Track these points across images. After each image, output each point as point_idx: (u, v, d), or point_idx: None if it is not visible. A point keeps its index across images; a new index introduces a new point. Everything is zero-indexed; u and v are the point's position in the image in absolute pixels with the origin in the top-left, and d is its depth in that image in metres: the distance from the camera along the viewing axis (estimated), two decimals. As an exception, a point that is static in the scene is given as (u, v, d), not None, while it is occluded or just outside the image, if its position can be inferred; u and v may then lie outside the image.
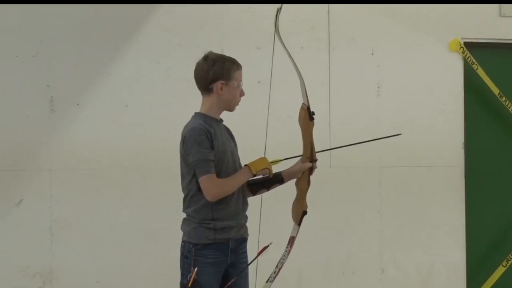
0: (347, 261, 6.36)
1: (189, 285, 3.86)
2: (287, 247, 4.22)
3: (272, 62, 4.34)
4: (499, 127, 6.81)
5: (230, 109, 4.11)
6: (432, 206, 6.52)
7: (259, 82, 5.65)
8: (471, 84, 6.66)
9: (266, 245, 3.96)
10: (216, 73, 4.00)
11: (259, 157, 4.11)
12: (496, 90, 6.67)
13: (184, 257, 3.99)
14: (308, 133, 4.24)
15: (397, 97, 6.46)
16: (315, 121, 4.23)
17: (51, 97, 5.82)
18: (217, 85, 4.01)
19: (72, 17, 5.83)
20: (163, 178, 5.92)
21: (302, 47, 6.24)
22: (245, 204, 4.11)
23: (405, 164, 6.46)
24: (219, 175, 3.93)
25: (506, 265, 6.72)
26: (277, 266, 4.21)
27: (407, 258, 6.48)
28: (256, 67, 5.91)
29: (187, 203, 4.01)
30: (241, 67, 4.09)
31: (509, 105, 6.69)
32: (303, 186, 4.25)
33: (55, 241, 5.81)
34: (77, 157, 5.84)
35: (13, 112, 5.75)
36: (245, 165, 4.03)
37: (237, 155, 4.15)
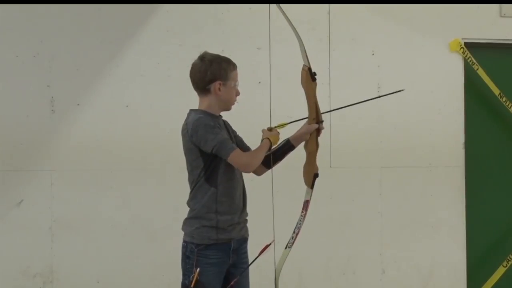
0: (348, 261, 6.36)
1: (192, 285, 3.86)
2: (302, 212, 4.23)
3: (270, 62, 4.34)
4: (499, 127, 6.81)
5: (227, 108, 4.11)
6: (432, 206, 6.52)
7: (259, 82, 5.66)
8: (472, 84, 6.66)
9: (268, 243, 3.95)
10: (213, 73, 3.99)
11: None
12: (496, 91, 6.67)
13: (186, 257, 3.99)
14: (312, 94, 4.22)
15: (397, 97, 6.45)
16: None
17: (52, 97, 5.82)
18: (215, 86, 4.00)
19: (72, 17, 5.83)
20: (163, 178, 5.93)
21: (302, 47, 6.24)
22: (245, 200, 4.11)
23: (405, 164, 6.46)
24: (225, 166, 3.94)
25: (507, 265, 6.71)
26: (294, 232, 4.20)
27: (408, 258, 6.49)
28: (256, 67, 5.92)
29: (193, 194, 4.00)
30: (236, 66, 4.09)
31: (509, 106, 6.69)
32: (312, 149, 4.24)
33: (55, 241, 5.81)
34: (77, 157, 5.84)
35: (14, 112, 5.75)
36: (266, 138, 4.07)
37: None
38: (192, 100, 4.21)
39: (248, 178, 4.14)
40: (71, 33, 5.83)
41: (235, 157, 3.89)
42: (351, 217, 6.34)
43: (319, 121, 4.25)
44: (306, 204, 4.26)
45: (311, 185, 4.26)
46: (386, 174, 6.42)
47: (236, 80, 4.07)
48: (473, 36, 6.60)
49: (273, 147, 4.12)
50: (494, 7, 6.60)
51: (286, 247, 4.21)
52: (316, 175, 4.26)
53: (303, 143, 4.25)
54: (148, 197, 5.92)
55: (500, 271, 6.70)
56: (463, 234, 6.58)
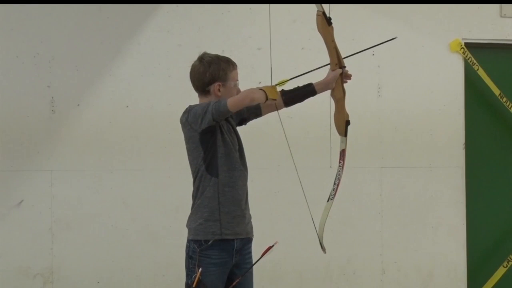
0: (348, 261, 6.36)
1: (193, 285, 3.85)
2: (340, 162, 4.20)
3: (271, 63, 4.33)
4: (499, 127, 6.80)
5: None
6: (432, 207, 6.52)
7: (259, 82, 5.65)
8: (472, 84, 6.66)
9: (271, 245, 3.94)
10: (212, 74, 3.98)
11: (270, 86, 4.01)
12: (496, 91, 6.66)
13: (189, 257, 3.98)
14: (330, 39, 4.14)
15: (397, 97, 6.46)
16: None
17: (52, 97, 5.82)
18: (215, 87, 3.99)
19: (72, 18, 5.84)
20: (163, 178, 5.93)
21: (303, 48, 6.24)
22: (247, 195, 4.06)
23: (405, 165, 6.46)
24: (224, 156, 3.92)
25: (507, 265, 6.71)
26: (334, 183, 4.19)
27: (408, 258, 6.48)
28: (256, 67, 5.93)
29: (195, 186, 3.98)
30: (236, 66, 4.07)
31: (509, 106, 6.69)
32: (339, 95, 4.17)
33: (55, 241, 5.81)
34: (77, 157, 5.85)
35: (14, 113, 5.76)
36: (261, 89, 3.89)
37: (241, 146, 4.09)
38: (192, 100, 4.20)
39: (248, 179, 4.12)
40: (71, 33, 5.84)
41: (228, 101, 3.79)
42: (351, 217, 6.34)
43: (341, 66, 4.18)
44: (343, 153, 4.21)
45: (344, 133, 4.17)
46: (386, 174, 6.42)
47: (236, 80, 4.06)
48: (473, 36, 6.60)
49: (269, 100, 3.90)
50: (494, 7, 6.60)
51: (328, 200, 4.17)
52: (347, 122, 4.16)
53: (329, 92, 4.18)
54: (148, 197, 5.92)
55: (501, 271, 6.69)
56: (463, 234, 6.58)
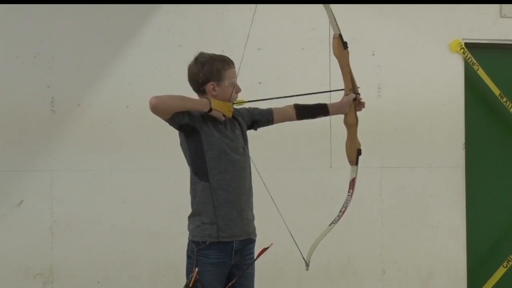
0: (348, 261, 6.36)
1: (190, 284, 3.85)
2: (349, 191, 4.19)
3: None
4: (499, 128, 6.80)
5: None
6: (432, 207, 6.52)
7: (259, 83, 5.66)
8: (472, 84, 6.66)
9: (266, 246, 3.93)
10: (206, 75, 3.98)
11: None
12: (496, 91, 6.66)
13: (187, 257, 3.99)
14: (345, 63, 4.13)
15: (397, 97, 6.46)
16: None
17: (52, 97, 5.82)
18: (209, 87, 3.99)
19: (72, 18, 5.84)
20: (163, 178, 5.93)
21: (303, 48, 6.24)
22: (248, 195, 4.04)
23: (405, 165, 6.46)
24: (212, 160, 3.92)
25: (507, 265, 6.71)
26: (341, 211, 4.18)
27: (408, 258, 6.48)
28: (256, 68, 5.93)
29: (190, 188, 4.00)
30: (233, 64, 4.06)
31: (509, 106, 6.69)
32: (351, 122, 4.18)
33: (55, 241, 5.81)
34: (78, 158, 5.85)
35: (14, 113, 5.76)
36: (207, 98, 3.95)
37: (240, 146, 4.06)
38: (192, 100, 4.20)
39: (248, 179, 4.12)
40: (71, 33, 5.84)
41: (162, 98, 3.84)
42: (351, 217, 6.32)
43: (355, 91, 4.19)
44: (353, 182, 4.20)
45: (355, 162, 4.18)
46: (386, 174, 6.42)
47: (232, 78, 4.04)
48: (473, 36, 6.60)
49: (221, 116, 3.95)
50: (494, 7, 6.60)
51: (330, 224, 4.16)
52: (359, 151, 4.16)
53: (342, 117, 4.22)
54: (148, 197, 5.92)
55: (501, 271, 6.69)
56: (463, 235, 6.58)
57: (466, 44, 6.56)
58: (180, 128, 3.94)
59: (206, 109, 3.92)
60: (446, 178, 6.54)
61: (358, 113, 4.27)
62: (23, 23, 5.77)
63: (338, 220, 4.19)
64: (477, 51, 6.61)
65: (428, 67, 6.51)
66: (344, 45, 4.14)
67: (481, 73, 6.60)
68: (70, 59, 5.84)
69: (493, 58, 6.74)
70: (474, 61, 6.57)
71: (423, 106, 6.49)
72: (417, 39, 6.48)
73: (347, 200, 4.19)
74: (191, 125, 3.92)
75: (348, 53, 4.13)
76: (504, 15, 6.64)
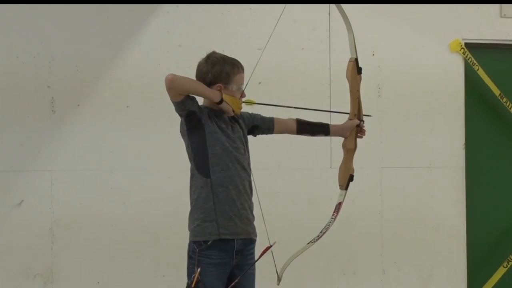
0: (348, 262, 6.36)
1: (192, 285, 3.85)
2: (333, 214, 4.17)
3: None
4: (499, 128, 6.80)
5: None
6: (432, 207, 6.52)
7: (259, 83, 5.65)
8: (472, 85, 6.66)
9: (269, 245, 3.93)
10: (215, 75, 3.97)
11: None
12: (496, 91, 6.66)
13: (189, 257, 3.98)
14: (356, 88, 4.14)
15: (397, 98, 6.46)
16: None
17: (52, 98, 5.82)
18: (216, 88, 3.98)
19: (72, 18, 5.84)
20: (163, 178, 5.93)
21: (303, 48, 6.24)
22: (248, 196, 4.03)
23: (405, 165, 6.46)
24: (214, 156, 3.92)
25: (507, 266, 6.71)
26: (321, 232, 4.16)
27: (408, 259, 6.48)
28: (256, 68, 5.91)
29: (190, 184, 4.00)
30: (242, 69, 4.05)
31: (509, 106, 6.69)
32: (350, 146, 4.19)
33: (56, 242, 5.81)
34: (78, 158, 5.85)
35: (14, 113, 5.76)
36: (220, 91, 3.95)
37: (241, 147, 4.05)
38: (193, 100, 4.20)
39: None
40: (71, 33, 5.84)
41: (179, 77, 3.85)
42: (351, 217, 6.33)
43: (360, 118, 4.18)
44: (338, 206, 4.19)
45: (345, 187, 4.17)
46: (386, 174, 6.42)
47: (240, 83, 4.04)
48: (473, 36, 6.60)
49: (230, 110, 3.96)
50: (494, 7, 6.60)
51: (309, 243, 4.16)
52: (351, 177, 4.16)
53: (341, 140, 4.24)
54: (148, 197, 5.92)
55: (501, 271, 6.69)
56: (463, 235, 6.58)
57: (466, 44, 6.56)
58: (187, 115, 3.92)
59: (217, 100, 3.92)
60: (446, 178, 6.54)
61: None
62: (23, 23, 5.77)
63: (317, 240, 4.18)
64: (477, 51, 6.61)
65: (428, 67, 6.51)
66: (359, 70, 4.12)
67: (481, 73, 6.60)
68: (70, 59, 5.84)
69: (493, 58, 6.74)
70: (474, 61, 6.57)
71: (423, 106, 6.49)
72: (417, 39, 6.48)
73: (330, 222, 4.19)
74: (198, 116, 3.91)
75: (360, 78, 4.14)
76: (504, 15, 6.64)
